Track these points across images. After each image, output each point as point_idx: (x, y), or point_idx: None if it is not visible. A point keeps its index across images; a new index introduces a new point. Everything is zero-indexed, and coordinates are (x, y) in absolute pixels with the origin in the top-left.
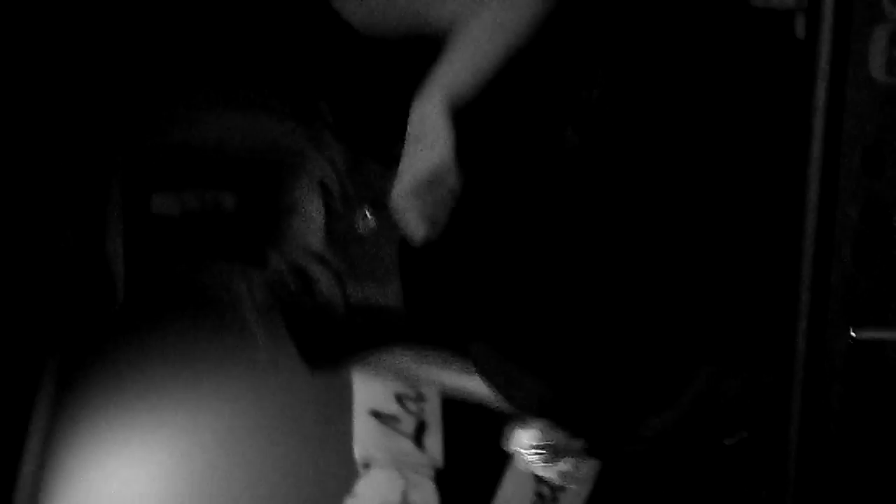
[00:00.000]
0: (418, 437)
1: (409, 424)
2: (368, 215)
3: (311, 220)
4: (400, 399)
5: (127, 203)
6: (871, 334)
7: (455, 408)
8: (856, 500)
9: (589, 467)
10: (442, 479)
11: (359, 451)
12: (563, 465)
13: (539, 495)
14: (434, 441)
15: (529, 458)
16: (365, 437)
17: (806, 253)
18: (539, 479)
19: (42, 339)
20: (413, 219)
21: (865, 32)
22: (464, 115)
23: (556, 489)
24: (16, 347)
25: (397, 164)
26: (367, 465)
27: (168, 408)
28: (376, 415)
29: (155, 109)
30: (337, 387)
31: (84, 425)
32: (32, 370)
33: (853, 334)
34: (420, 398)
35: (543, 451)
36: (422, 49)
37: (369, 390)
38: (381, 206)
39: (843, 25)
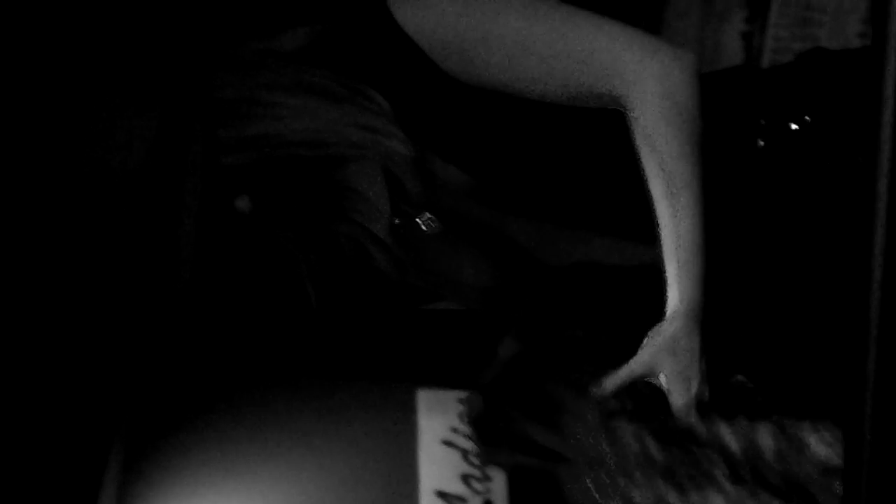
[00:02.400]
0: None
1: None
2: (432, 219)
3: (376, 208)
4: (465, 479)
5: (204, 193)
6: None
7: (522, 488)
8: None
9: None
10: None
11: None
12: None
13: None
14: None
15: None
16: None
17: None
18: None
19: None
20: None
21: None
22: None
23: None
24: (84, 420)
25: (466, 170)
26: None
27: (232, 488)
28: (442, 495)
29: (236, 98)
30: (402, 466)
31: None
32: (99, 449)
33: None
34: (486, 478)
35: None
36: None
37: (434, 470)
38: (445, 211)
39: None
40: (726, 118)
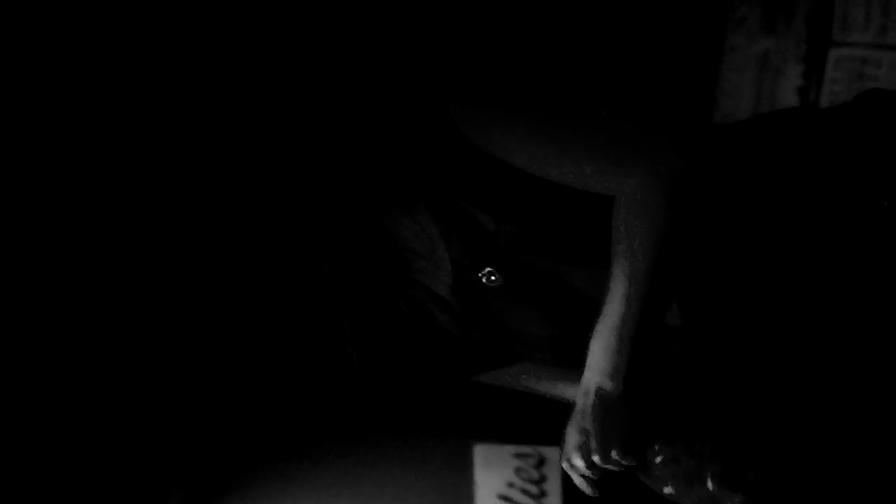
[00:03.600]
0: None
1: None
2: (492, 272)
3: (437, 266)
4: None
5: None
6: None
7: None
8: None
9: None
10: None
11: None
12: None
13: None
14: None
15: None
16: None
17: None
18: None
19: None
20: (578, 481)
21: None
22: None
23: None
24: (139, 479)
25: (517, 225)
26: None
27: None
28: None
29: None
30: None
31: None
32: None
33: None
34: None
35: None
36: None
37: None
38: (504, 265)
39: None
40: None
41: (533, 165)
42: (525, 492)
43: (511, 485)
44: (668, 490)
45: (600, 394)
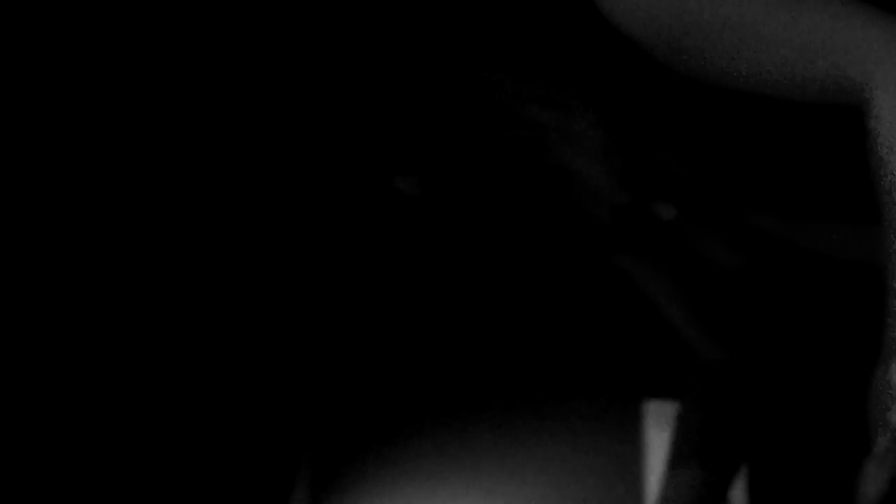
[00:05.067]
0: None
1: None
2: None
3: (597, 192)
4: None
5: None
6: None
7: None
8: None
9: None
10: None
11: None
12: None
13: None
14: None
15: None
16: None
17: None
18: None
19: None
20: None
21: None
22: None
23: None
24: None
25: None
26: None
27: None
28: None
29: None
30: (628, 484)
31: None
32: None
33: None
34: None
35: None
36: None
37: None
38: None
39: None
40: None
41: (733, 69)
42: None
43: None
44: None
45: None
